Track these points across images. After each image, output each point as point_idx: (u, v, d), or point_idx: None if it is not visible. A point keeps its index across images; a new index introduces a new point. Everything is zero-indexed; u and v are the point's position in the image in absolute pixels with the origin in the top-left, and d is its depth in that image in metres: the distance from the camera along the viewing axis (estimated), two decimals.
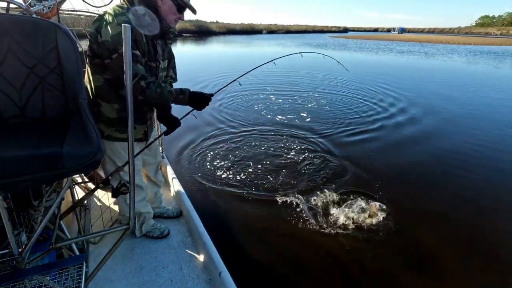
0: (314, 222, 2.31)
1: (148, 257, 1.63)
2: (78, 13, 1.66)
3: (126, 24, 0.85)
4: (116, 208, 1.96)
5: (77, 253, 1.43)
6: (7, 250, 0.99)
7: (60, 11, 1.66)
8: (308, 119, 4.92)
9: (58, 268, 1.15)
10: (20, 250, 1.01)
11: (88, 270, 1.46)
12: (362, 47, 23.62)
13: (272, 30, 60.74)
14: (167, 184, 2.29)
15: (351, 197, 2.64)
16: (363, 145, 3.94)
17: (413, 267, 1.95)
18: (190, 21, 41.71)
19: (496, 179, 3.17)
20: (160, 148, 1.78)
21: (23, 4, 1.50)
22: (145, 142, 1.58)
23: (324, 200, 2.60)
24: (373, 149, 3.79)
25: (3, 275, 0.97)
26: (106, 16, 1.19)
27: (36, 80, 1.01)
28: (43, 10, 1.50)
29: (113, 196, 1.23)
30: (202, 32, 40.12)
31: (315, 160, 3.41)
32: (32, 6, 1.50)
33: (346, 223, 2.30)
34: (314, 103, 5.99)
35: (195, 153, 3.53)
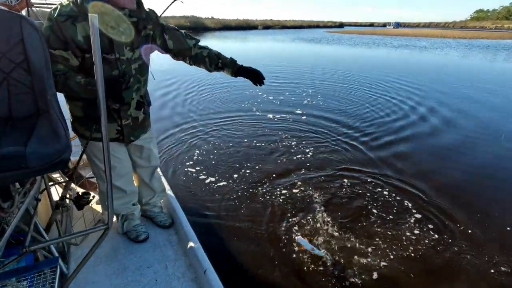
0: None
1: (132, 257, 1.60)
2: (51, 6, 1.59)
3: (93, 14, 0.80)
4: (98, 208, 1.92)
5: (57, 255, 1.39)
6: None
7: (33, 5, 1.59)
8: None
9: (33, 271, 1.11)
10: None
11: (69, 272, 1.42)
12: (357, 42, 23.55)
13: (268, 26, 60.38)
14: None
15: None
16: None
17: None
18: (185, 17, 41.34)
19: None
20: (155, 151, 1.72)
21: None
22: (125, 143, 1.51)
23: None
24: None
25: None
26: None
27: (0, 76, 0.96)
28: (10, 2, 1.44)
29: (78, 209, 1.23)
30: (197, 28, 39.74)
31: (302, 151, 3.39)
32: None
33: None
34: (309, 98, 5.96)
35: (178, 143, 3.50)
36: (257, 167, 3.11)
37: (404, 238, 2.13)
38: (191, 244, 1.57)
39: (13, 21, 0.97)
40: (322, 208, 2.43)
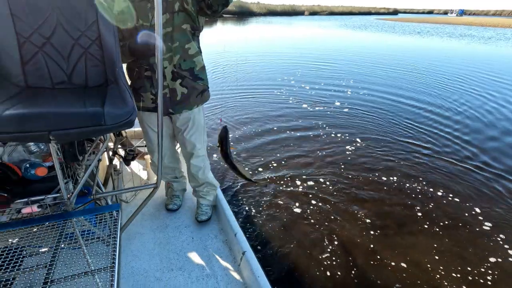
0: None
1: (172, 217, 1.82)
2: None
3: None
4: (144, 175, 2.17)
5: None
6: (59, 194, 1.20)
7: None
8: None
9: (98, 212, 1.35)
10: (68, 196, 1.20)
11: (121, 222, 1.68)
12: (411, 31, 21.76)
13: (315, 12, 58.23)
14: None
15: None
16: None
17: None
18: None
19: None
20: (194, 137, 1.58)
21: None
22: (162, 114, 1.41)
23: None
24: None
25: (57, 214, 1.18)
26: None
27: (80, 51, 1.16)
28: None
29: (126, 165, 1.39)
30: (243, 13, 39.78)
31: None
32: None
33: None
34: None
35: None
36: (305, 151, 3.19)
37: None
38: (224, 211, 1.74)
39: (89, 4, 1.16)
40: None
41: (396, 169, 2.91)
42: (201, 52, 1.52)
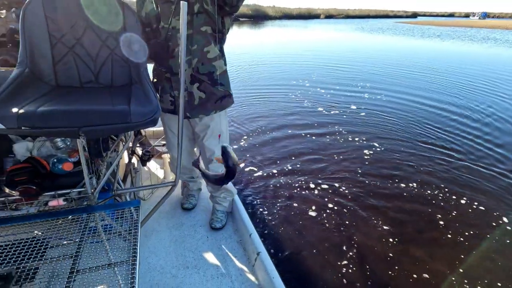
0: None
1: (188, 216, 1.85)
2: None
3: (183, 1, 0.97)
4: (161, 174, 2.22)
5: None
6: (83, 189, 1.25)
7: None
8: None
9: (120, 208, 1.39)
10: (92, 190, 1.25)
11: (139, 220, 1.72)
12: (431, 34, 21.23)
13: (331, 15, 57.84)
14: None
15: None
16: None
17: None
18: (247, 5, 41.92)
19: None
20: (209, 141, 1.55)
21: None
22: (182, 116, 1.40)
23: None
24: None
25: (81, 208, 1.22)
26: None
27: (107, 51, 1.21)
28: None
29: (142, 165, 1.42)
30: (258, 17, 40.05)
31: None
32: None
33: None
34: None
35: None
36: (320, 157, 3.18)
37: None
38: (239, 212, 1.76)
39: (118, 8, 1.21)
40: None
41: (416, 174, 2.83)
42: (223, 56, 1.48)
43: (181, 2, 0.95)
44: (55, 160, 1.23)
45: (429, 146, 3.41)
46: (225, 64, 1.48)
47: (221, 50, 1.46)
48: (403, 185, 2.65)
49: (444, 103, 4.99)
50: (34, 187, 1.18)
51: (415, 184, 2.66)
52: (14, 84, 1.00)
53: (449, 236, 2.08)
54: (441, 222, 2.21)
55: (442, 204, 2.42)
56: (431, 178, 2.76)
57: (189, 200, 1.93)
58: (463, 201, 2.45)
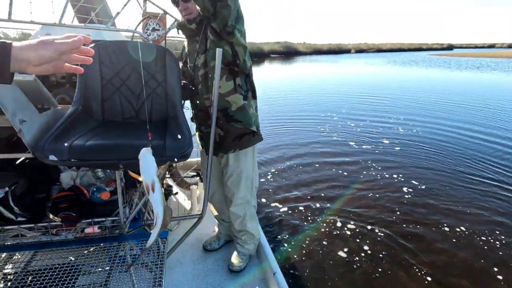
0: None
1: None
2: (177, 38, 2.10)
3: (219, 48, 1.07)
4: (188, 205, 2.25)
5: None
6: (117, 218, 1.31)
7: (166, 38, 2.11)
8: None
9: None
10: (124, 220, 1.31)
11: (165, 251, 1.74)
12: (469, 65, 20.40)
13: (362, 49, 58.48)
14: None
15: None
16: None
17: None
18: (278, 42, 44.02)
19: None
20: (230, 181, 1.53)
21: (143, 34, 2.00)
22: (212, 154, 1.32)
23: None
24: None
25: (112, 236, 1.28)
26: None
27: (148, 91, 1.34)
28: (155, 37, 1.96)
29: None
30: (289, 53, 41.70)
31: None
32: (149, 35, 1.99)
33: None
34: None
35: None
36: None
37: None
38: (262, 247, 1.72)
39: (161, 52, 1.34)
40: None
41: (465, 216, 2.56)
42: (242, 90, 1.38)
43: (217, 50, 1.04)
44: (94, 189, 1.32)
45: (476, 182, 3.13)
46: (246, 99, 1.39)
47: (239, 84, 1.37)
48: (447, 229, 2.41)
49: (490, 136, 4.64)
50: (74, 214, 1.27)
51: (463, 228, 2.40)
52: (68, 120, 1.13)
53: None
54: (500, 277, 1.93)
55: (501, 253, 2.12)
56: (482, 218, 2.49)
57: (210, 242, 1.84)
58: None
